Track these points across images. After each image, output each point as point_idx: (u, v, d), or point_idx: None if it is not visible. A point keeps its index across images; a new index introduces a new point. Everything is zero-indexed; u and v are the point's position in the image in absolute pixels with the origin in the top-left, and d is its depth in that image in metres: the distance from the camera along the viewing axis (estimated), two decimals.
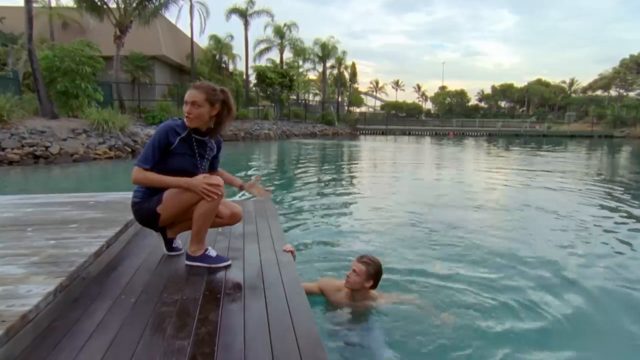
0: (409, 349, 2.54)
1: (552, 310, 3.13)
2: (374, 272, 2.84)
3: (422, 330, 2.72)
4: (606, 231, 5.49)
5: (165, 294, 2.04)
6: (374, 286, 2.90)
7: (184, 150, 2.37)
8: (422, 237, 5.07)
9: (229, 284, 2.18)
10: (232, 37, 33.53)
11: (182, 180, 2.28)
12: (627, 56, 53.12)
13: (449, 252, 4.47)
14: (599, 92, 59.52)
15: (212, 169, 2.63)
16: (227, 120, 2.45)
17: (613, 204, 7.45)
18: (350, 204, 7.43)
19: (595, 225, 5.83)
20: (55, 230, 2.65)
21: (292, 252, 2.80)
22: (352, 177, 11.76)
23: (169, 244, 2.62)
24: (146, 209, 2.37)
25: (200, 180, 2.26)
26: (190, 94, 2.32)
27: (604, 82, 56.57)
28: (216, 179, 2.32)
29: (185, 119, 2.37)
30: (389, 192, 8.88)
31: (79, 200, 3.63)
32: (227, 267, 2.43)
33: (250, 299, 2.01)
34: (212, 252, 2.47)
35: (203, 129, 2.42)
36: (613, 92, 57.23)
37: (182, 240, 2.73)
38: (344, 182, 10.50)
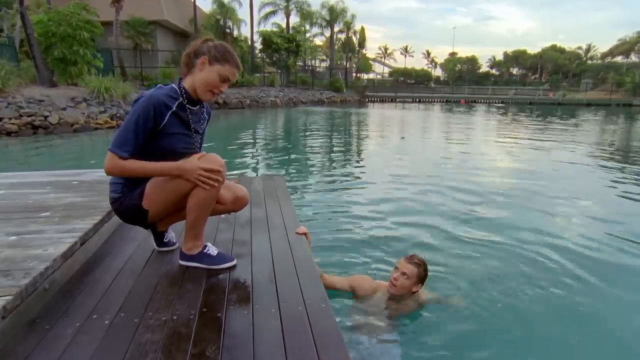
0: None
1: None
2: (424, 275, 2.44)
3: (467, 339, 2.29)
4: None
5: (150, 311, 1.56)
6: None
7: (176, 128, 1.81)
8: (442, 217, 4.54)
9: (233, 296, 1.69)
10: (239, 1, 32.19)
11: (172, 165, 1.75)
12: None
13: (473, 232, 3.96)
14: (618, 59, 57.04)
15: None
16: None
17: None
18: (365, 180, 6.90)
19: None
20: (22, 221, 2.17)
21: (305, 234, 2.36)
22: (365, 150, 11.17)
23: (160, 238, 2.13)
24: (129, 207, 1.86)
25: (195, 164, 1.74)
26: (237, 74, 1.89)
27: (625, 48, 54.18)
28: (214, 160, 1.80)
29: (204, 96, 1.85)
30: (404, 165, 8.32)
31: (60, 180, 3.14)
32: (230, 269, 1.95)
33: (261, 320, 1.52)
34: (212, 250, 1.98)
35: (195, 95, 1.87)
36: (634, 58, 54.83)
37: (177, 232, 2.24)
38: (357, 155, 9.94)
